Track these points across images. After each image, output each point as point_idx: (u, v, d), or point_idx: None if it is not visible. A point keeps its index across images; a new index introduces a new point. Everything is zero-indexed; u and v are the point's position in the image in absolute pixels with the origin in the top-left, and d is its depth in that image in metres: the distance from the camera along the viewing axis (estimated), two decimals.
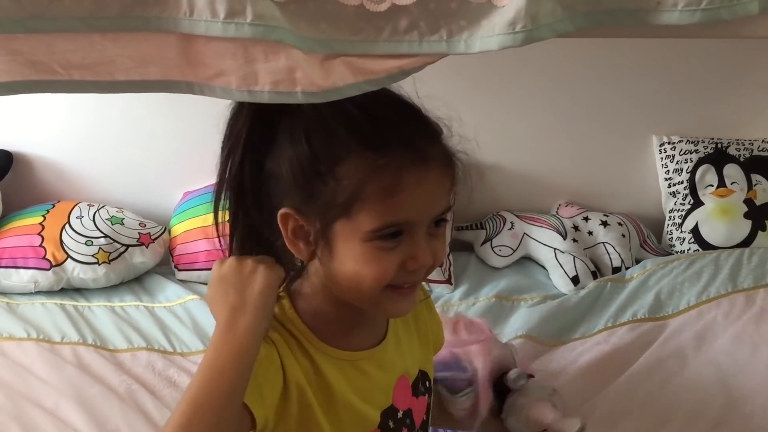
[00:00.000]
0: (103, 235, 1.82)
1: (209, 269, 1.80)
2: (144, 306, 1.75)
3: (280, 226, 0.78)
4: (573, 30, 0.70)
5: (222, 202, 0.85)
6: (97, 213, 1.87)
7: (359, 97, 0.69)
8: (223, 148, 0.84)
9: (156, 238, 1.88)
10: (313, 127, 0.76)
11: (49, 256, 1.77)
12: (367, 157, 0.73)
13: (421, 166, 0.75)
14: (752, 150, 2.04)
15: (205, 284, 1.80)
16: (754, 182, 2.00)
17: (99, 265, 1.78)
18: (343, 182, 0.74)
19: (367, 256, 0.75)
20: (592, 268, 1.88)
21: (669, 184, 2.05)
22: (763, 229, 1.96)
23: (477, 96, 1.96)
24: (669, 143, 2.05)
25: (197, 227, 1.85)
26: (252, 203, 0.82)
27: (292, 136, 0.77)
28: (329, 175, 0.74)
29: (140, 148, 2.00)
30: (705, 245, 1.97)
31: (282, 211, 0.78)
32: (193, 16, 0.68)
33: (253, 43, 0.69)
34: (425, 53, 0.73)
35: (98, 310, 1.72)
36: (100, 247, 1.79)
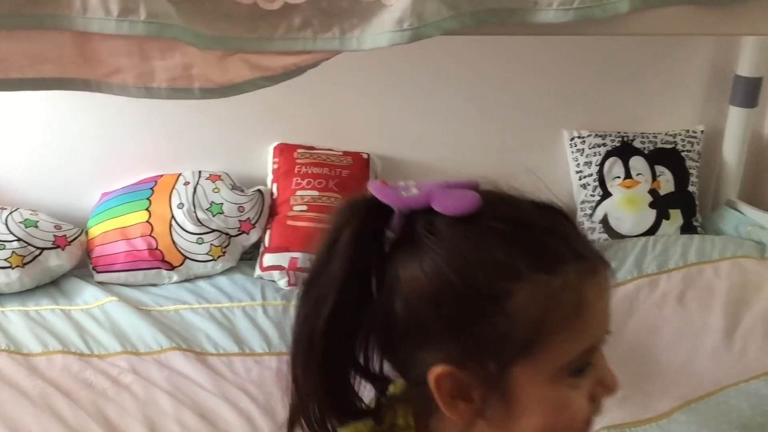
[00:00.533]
0: (16, 238, 1.78)
1: (129, 270, 1.80)
2: (60, 309, 1.72)
3: (433, 388, 0.60)
4: (458, 28, 0.74)
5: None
6: (9, 216, 1.83)
7: (501, 211, 0.60)
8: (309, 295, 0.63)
9: (72, 240, 1.85)
10: (456, 257, 0.59)
11: None
12: (542, 280, 0.59)
13: (595, 275, 0.62)
14: (656, 143, 2.15)
15: (125, 285, 1.78)
16: (657, 173, 2.11)
17: (12, 269, 1.75)
18: (517, 317, 0.58)
19: (560, 400, 0.61)
20: None
21: (580, 177, 2.14)
22: (667, 218, 2.07)
23: (388, 91, 2.02)
24: (579, 137, 2.14)
25: (115, 228, 1.83)
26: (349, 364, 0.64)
27: (426, 271, 0.59)
28: (497, 313, 0.58)
29: (55, 148, 1.96)
30: (614, 234, 2.07)
31: (437, 370, 0.60)
32: (87, 14, 0.68)
33: (148, 41, 0.71)
34: (319, 50, 0.76)
35: (12, 314, 1.68)
36: (13, 251, 1.75)
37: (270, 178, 2.02)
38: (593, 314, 0.61)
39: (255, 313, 1.73)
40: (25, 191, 1.97)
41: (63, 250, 1.82)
